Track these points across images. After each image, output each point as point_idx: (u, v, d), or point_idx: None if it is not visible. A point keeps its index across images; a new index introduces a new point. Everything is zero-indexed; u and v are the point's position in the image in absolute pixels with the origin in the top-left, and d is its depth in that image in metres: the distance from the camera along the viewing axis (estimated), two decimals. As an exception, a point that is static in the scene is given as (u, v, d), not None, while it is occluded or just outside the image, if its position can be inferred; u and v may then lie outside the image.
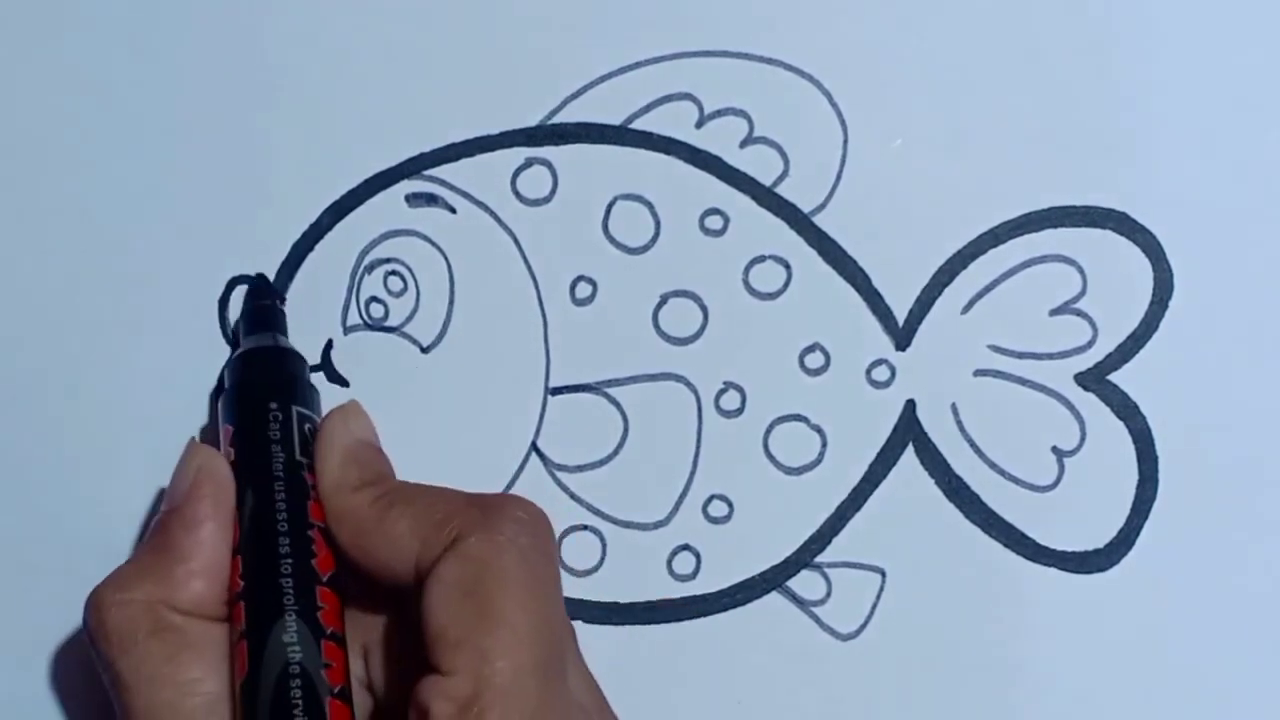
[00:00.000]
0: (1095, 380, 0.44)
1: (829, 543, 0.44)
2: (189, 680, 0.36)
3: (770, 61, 0.44)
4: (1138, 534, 0.44)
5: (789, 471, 0.44)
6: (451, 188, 0.44)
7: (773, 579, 0.44)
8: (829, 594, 0.44)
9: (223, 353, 0.44)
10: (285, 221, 0.44)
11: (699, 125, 0.44)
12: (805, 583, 0.44)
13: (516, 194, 0.44)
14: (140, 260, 0.44)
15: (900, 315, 0.44)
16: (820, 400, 0.44)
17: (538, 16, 0.44)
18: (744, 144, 0.44)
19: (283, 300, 0.43)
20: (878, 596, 0.44)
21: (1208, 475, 0.44)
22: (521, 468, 0.44)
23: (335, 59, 0.44)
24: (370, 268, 0.44)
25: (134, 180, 0.44)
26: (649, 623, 0.44)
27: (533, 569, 0.36)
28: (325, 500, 0.39)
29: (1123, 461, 0.44)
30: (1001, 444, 0.44)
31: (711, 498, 0.44)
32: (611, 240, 0.44)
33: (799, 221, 0.44)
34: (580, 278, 0.44)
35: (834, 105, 0.44)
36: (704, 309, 0.44)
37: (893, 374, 0.44)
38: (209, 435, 0.43)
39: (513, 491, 0.44)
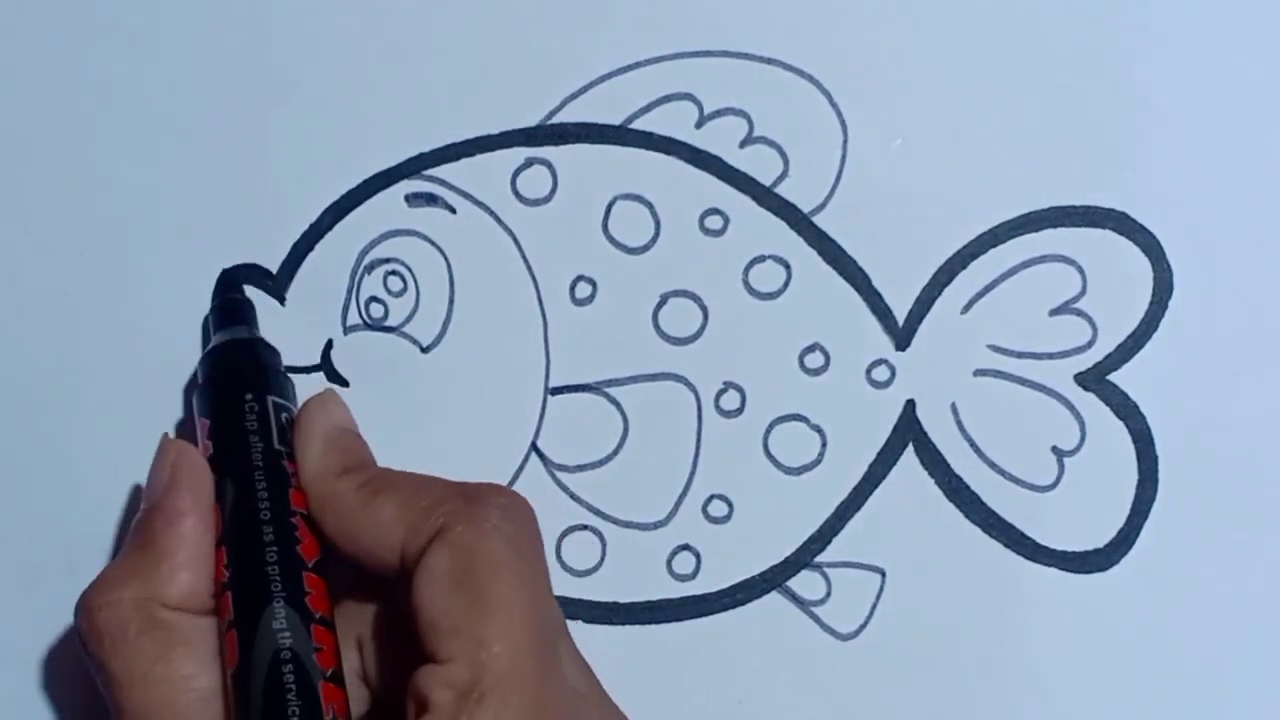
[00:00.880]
0: (1095, 380, 0.44)
1: (829, 543, 0.44)
2: (182, 676, 0.36)
3: (770, 61, 0.44)
4: (1138, 534, 0.44)
5: (789, 471, 0.44)
6: (451, 188, 0.44)
7: (773, 579, 0.44)
8: (829, 594, 0.44)
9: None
10: (285, 221, 0.44)
11: (699, 125, 0.44)
12: (805, 583, 0.44)
13: (516, 194, 0.44)
14: (141, 260, 0.44)
15: (900, 315, 0.44)
16: (820, 400, 0.44)
17: (538, 16, 0.44)
18: (744, 144, 0.44)
19: (273, 284, 0.43)
20: (878, 596, 0.44)
21: (1208, 475, 0.44)
22: (521, 468, 0.44)
23: (336, 59, 0.44)
24: (370, 268, 0.44)
25: (134, 180, 0.44)
26: (649, 623, 0.44)
27: (521, 555, 0.36)
28: (308, 487, 0.39)
29: (1123, 461, 0.44)
30: (1001, 444, 0.44)
31: (711, 498, 0.44)
32: (611, 240, 0.44)
33: (799, 221, 0.44)
34: (580, 278, 0.44)
35: (834, 105, 0.44)
36: (704, 309, 0.44)
37: (893, 374, 0.44)
38: (186, 431, 0.43)
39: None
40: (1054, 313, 0.44)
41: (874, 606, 0.44)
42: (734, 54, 0.44)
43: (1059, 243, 0.44)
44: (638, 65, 0.44)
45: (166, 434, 0.40)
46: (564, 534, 0.44)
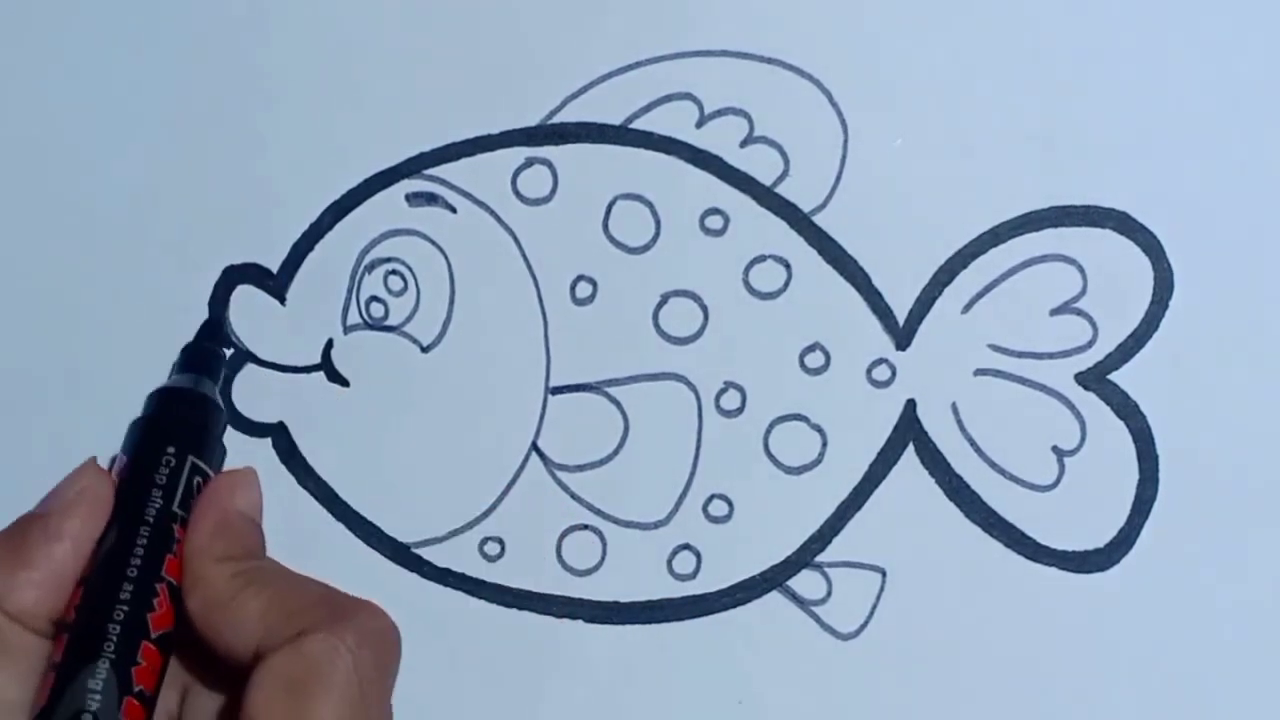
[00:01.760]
0: (1095, 380, 0.44)
1: (829, 542, 0.44)
2: None
3: (770, 61, 0.44)
4: (1138, 534, 0.44)
5: (789, 471, 0.44)
6: (452, 187, 0.44)
7: (773, 579, 0.44)
8: (829, 594, 0.43)
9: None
10: (285, 221, 0.44)
11: (699, 125, 0.44)
12: (805, 582, 0.44)
13: (517, 194, 0.44)
14: (141, 260, 0.44)
15: (900, 315, 0.44)
16: (820, 400, 0.44)
17: (538, 16, 0.44)
18: (744, 144, 0.44)
19: (273, 284, 0.43)
20: (878, 596, 0.43)
21: (1208, 475, 0.43)
22: (521, 468, 0.44)
23: (335, 59, 0.44)
24: (370, 267, 0.44)
25: (135, 180, 0.44)
26: (649, 623, 0.43)
27: (362, 683, 0.35)
28: (186, 562, 0.38)
29: (1123, 461, 0.44)
30: (1002, 443, 0.44)
31: (711, 497, 0.44)
32: (612, 240, 0.44)
33: (799, 221, 0.44)
34: (580, 277, 0.44)
35: (834, 105, 0.44)
36: (704, 309, 0.44)
37: (893, 373, 0.44)
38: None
39: (510, 494, 0.44)
40: (1054, 312, 0.44)
41: (874, 606, 0.43)
42: (734, 54, 0.44)
43: (1059, 242, 0.44)
44: (638, 65, 0.44)
45: (95, 458, 0.39)
46: (564, 534, 0.44)
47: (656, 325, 0.44)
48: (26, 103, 0.44)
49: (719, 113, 0.44)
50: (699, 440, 0.44)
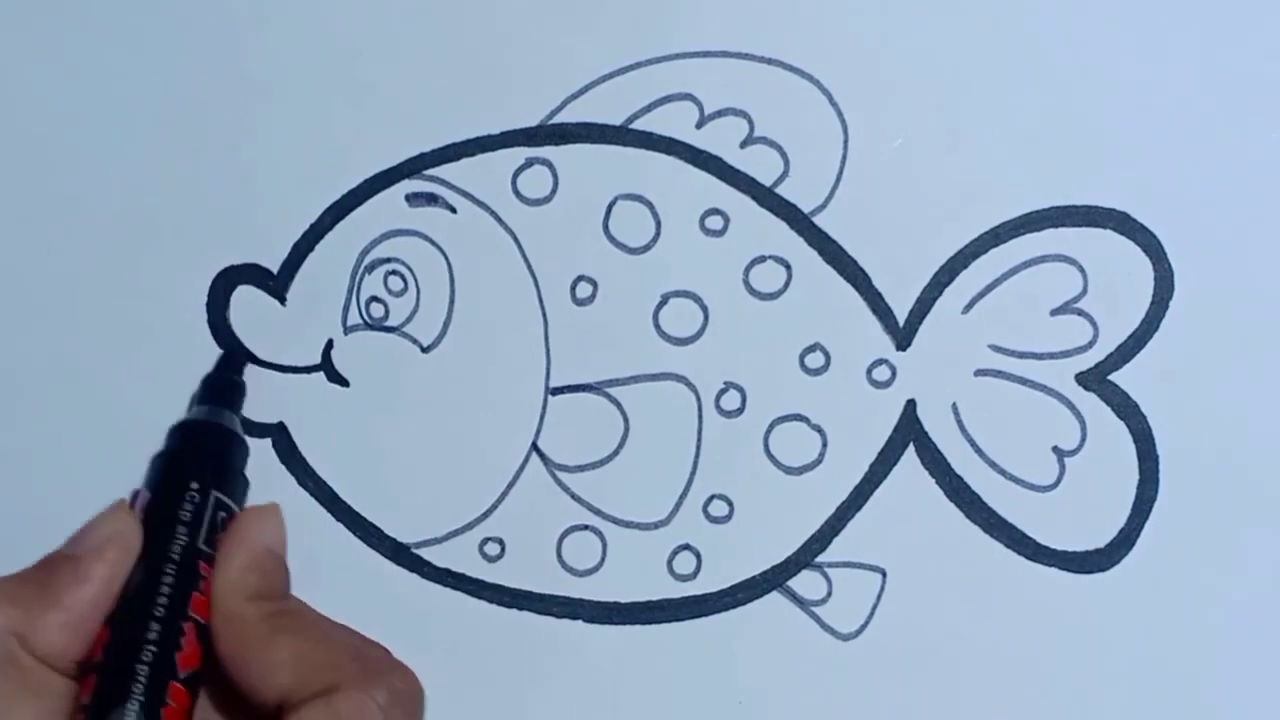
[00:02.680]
0: (1096, 380, 0.44)
1: (829, 543, 0.44)
2: None
3: (770, 61, 0.44)
4: (1138, 534, 0.44)
5: (789, 471, 0.44)
6: (452, 187, 0.44)
7: (773, 579, 0.44)
8: (829, 594, 0.44)
9: (220, 354, 0.44)
10: (285, 221, 0.44)
11: (699, 125, 0.44)
12: (805, 583, 0.44)
13: (517, 194, 0.44)
14: (141, 260, 0.44)
15: (901, 315, 0.44)
16: (820, 400, 0.44)
17: (538, 16, 0.44)
18: (744, 144, 0.44)
19: (273, 284, 0.43)
20: (878, 596, 0.44)
21: (1208, 475, 0.44)
22: (521, 468, 0.44)
23: (335, 59, 0.44)
24: (370, 267, 0.44)
25: (135, 180, 0.44)
26: (649, 623, 0.44)
27: None
28: (216, 600, 0.38)
29: (1123, 461, 0.44)
30: (1002, 444, 0.44)
31: (712, 498, 0.44)
32: (612, 240, 0.44)
33: (799, 221, 0.44)
34: (580, 278, 0.44)
35: (834, 105, 0.44)
36: (704, 309, 0.44)
37: (893, 374, 0.44)
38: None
39: (510, 494, 0.44)
40: (1055, 313, 0.44)
41: (874, 606, 0.44)
42: (734, 54, 0.44)
43: (1060, 243, 0.44)
44: (638, 65, 0.44)
45: (124, 500, 0.39)
46: (564, 534, 0.44)
47: (656, 325, 0.44)
48: (26, 103, 0.44)
49: (719, 113, 0.44)
50: (699, 440, 0.44)
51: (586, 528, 0.44)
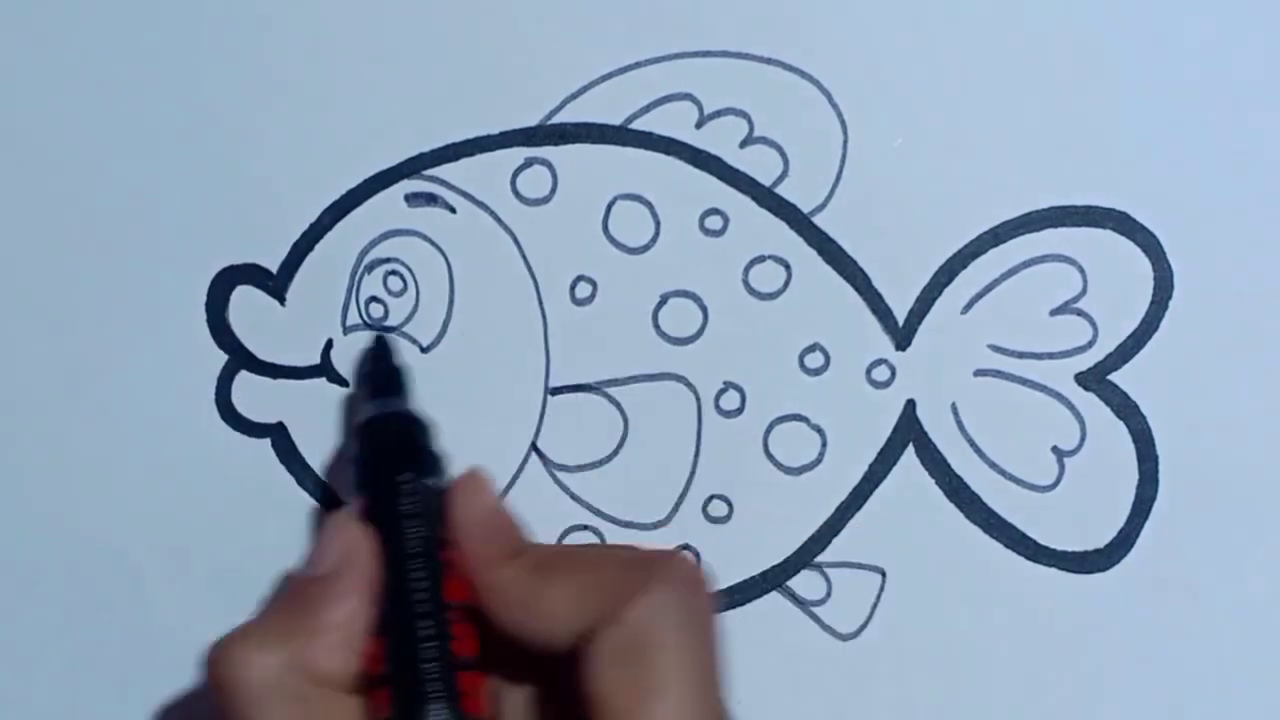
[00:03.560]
0: (1095, 380, 0.44)
1: (829, 543, 0.44)
2: None
3: (770, 61, 0.44)
4: (1138, 534, 0.44)
5: (789, 471, 0.44)
6: (451, 187, 0.44)
7: (773, 579, 0.44)
8: (829, 594, 0.44)
9: (219, 354, 0.44)
10: (285, 222, 0.44)
11: (699, 125, 0.44)
12: (805, 583, 0.44)
13: (516, 194, 0.44)
14: (141, 260, 0.44)
15: (900, 315, 0.44)
16: (820, 400, 0.44)
17: (538, 16, 0.44)
18: (744, 144, 0.44)
19: (273, 284, 0.43)
20: (878, 596, 0.44)
21: (1208, 475, 0.44)
22: (521, 468, 0.44)
23: (335, 59, 0.44)
24: (370, 267, 0.44)
25: (134, 179, 0.44)
26: (649, 623, 0.43)
27: (694, 636, 0.35)
28: (475, 576, 0.38)
29: (1123, 461, 0.44)
30: (1001, 444, 0.44)
31: (711, 498, 0.44)
32: (611, 240, 0.44)
33: (799, 221, 0.44)
34: (580, 278, 0.44)
35: (834, 105, 0.44)
36: (704, 309, 0.44)
37: (893, 374, 0.44)
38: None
39: (510, 494, 0.44)
40: (1054, 313, 0.44)
41: (874, 606, 0.44)
42: (734, 54, 0.44)
43: (1059, 243, 0.44)
44: (638, 65, 0.44)
45: (346, 509, 0.39)
46: (564, 534, 0.44)
47: (656, 325, 0.44)
48: (25, 103, 0.44)
49: (718, 113, 0.44)
50: (699, 440, 0.44)
51: (586, 528, 0.44)
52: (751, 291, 0.44)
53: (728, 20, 0.44)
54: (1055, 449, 0.44)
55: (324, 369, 0.44)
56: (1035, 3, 0.44)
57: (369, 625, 0.37)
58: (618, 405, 0.44)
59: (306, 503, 0.44)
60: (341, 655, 0.36)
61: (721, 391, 0.44)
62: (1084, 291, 0.44)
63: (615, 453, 0.44)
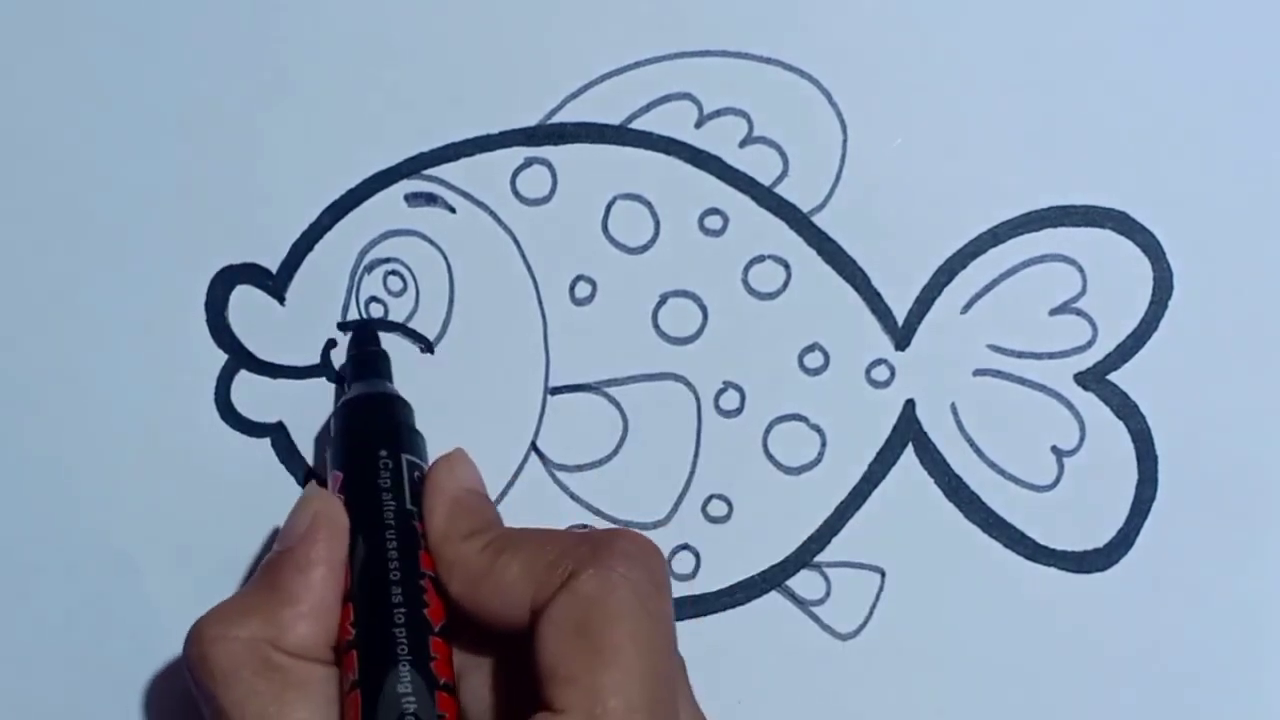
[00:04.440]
0: (1095, 380, 0.44)
1: (828, 542, 0.44)
2: (294, 718, 0.36)
3: (770, 61, 0.44)
4: (1137, 534, 0.44)
5: (789, 471, 0.44)
6: (451, 187, 0.44)
7: (772, 579, 0.44)
8: (828, 594, 0.44)
9: (219, 354, 0.44)
10: (284, 221, 0.44)
11: (699, 125, 0.44)
12: (805, 582, 0.44)
13: (516, 194, 0.44)
14: (140, 260, 0.44)
15: (900, 315, 0.44)
16: (820, 400, 0.44)
17: (538, 16, 0.44)
18: (743, 144, 0.44)
19: (273, 284, 0.43)
20: (877, 596, 0.44)
21: (1208, 475, 0.43)
22: (521, 468, 0.44)
23: (335, 59, 0.44)
24: (370, 267, 0.44)
25: (134, 179, 0.44)
26: (649, 622, 0.43)
27: (644, 604, 0.36)
28: (434, 551, 0.38)
29: (1122, 461, 0.44)
30: (1001, 444, 0.44)
31: (711, 497, 0.44)
32: (611, 240, 0.44)
33: (798, 221, 0.44)
34: (580, 277, 0.44)
35: (834, 105, 0.44)
36: (704, 309, 0.44)
37: (892, 374, 0.44)
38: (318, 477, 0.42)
39: (509, 494, 0.44)
40: (1054, 312, 0.44)
41: (874, 606, 0.44)
42: (734, 54, 0.44)
43: (1059, 242, 0.44)
44: (638, 65, 0.44)
45: (313, 482, 0.40)
46: (564, 534, 0.44)
47: (656, 325, 0.44)
48: (25, 102, 0.44)
49: (718, 113, 0.44)
50: (698, 440, 0.44)
51: (585, 527, 0.44)
52: (751, 291, 0.44)
53: (728, 20, 0.44)
54: (1055, 449, 0.44)
55: (324, 369, 0.44)
56: (1035, 3, 0.44)
57: (341, 595, 0.37)
58: (617, 405, 0.44)
59: (306, 502, 0.44)
60: (312, 625, 0.37)
61: (721, 391, 0.44)
62: (1083, 291, 0.44)
63: (615, 452, 0.44)
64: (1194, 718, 0.43)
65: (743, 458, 0.44)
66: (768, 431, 0.44)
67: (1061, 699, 0.43)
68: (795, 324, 0.44)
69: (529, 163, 0.44)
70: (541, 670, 0.35)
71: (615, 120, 0.44)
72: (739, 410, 0.44)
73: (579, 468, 0.44)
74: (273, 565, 0.38)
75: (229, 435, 0.44)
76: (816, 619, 0.43)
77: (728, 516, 0.44)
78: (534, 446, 0.44)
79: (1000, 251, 0.44)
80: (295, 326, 0.44)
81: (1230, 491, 0.43)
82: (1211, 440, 0.44)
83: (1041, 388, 0.44)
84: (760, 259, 0.44)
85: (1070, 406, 0.44)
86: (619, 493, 0.44)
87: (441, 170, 0.44)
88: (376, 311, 0.44)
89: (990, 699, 0.43)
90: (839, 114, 0.44)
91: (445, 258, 0.44)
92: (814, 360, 0.44)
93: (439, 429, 0.43)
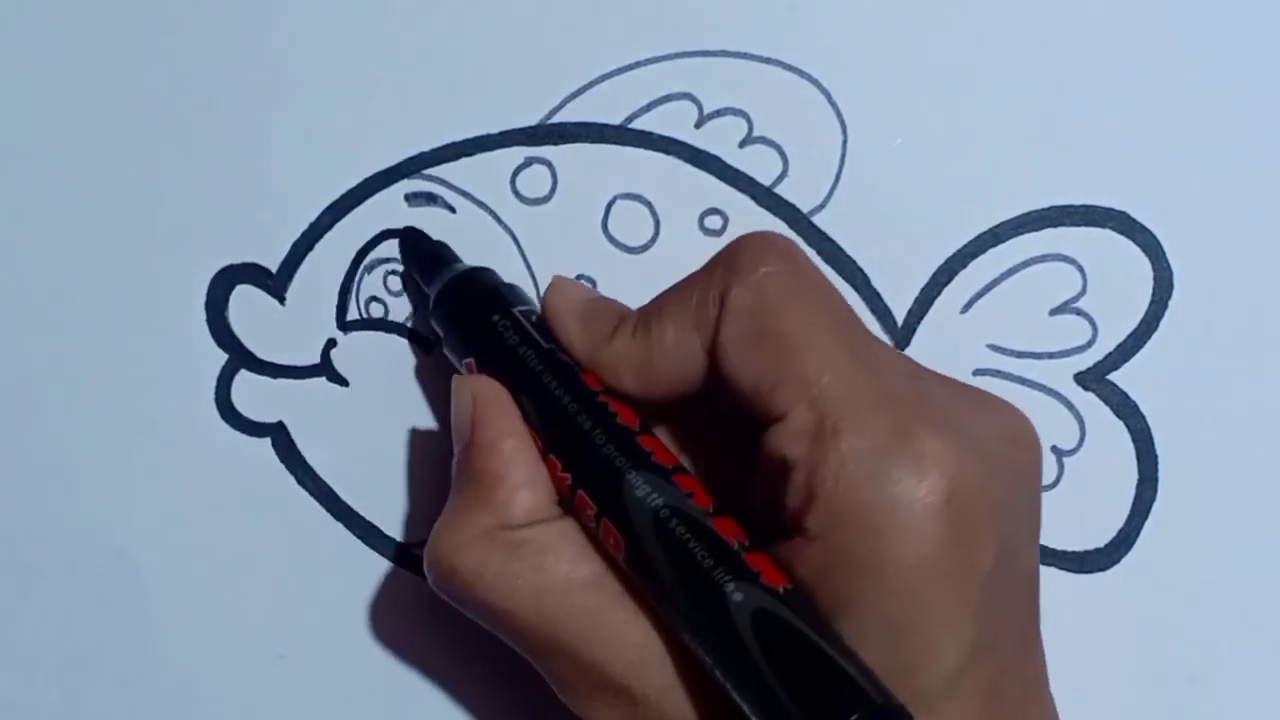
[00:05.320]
0: (1095, 380, 0.44)
1: (828, 542, 0.44)
2: (563, 577, 0.36)
3: (770, 61, 0.44)
4: (1138, 534, 0.44)
5: (789, 471, 0.44)
6: (451, 187, 0.44)
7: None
8: (828, 594, 0.43)
9: (219, 354, 0.44)
10: (284, 221, 0.44)
11: (699, 125, 0.44)
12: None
13: (516, 193, 0.44)
14: (140, 259, 0.44)
15: (899, 315, 0.44)
16: (820, 400, 0.44)
17: (538, 16, 0.44)
18: (743, 144, 0.44)
19: (273, 284, 0.43)
20: (877, 596, 0.43)
21: (1208, 475, 0.43)
22: (521, 467, 0.44)
23: (335, 58, 0.44)
24: (370, 267, 0.44)
25: (134, 179, 0.44)
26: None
27: (799, 283, 0.36)
28: (593, 364, 0.38)
29: (1123, 461, 0.44)
30: (1001, 444, 0.44)
31: (711, 497, 0.44)
32: (611, 240, 0.44)
33: (798, 221, 0.44)
34: (580, 277, 0.44)
35: (833, 105, 0.44)
36: (704, 309, 0.44)
37: (892, 374, 0.44)
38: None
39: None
40: (1054, 312, 0.44)
41: (874, 606, 0.43)
42: (734, 54, 0.44)
43: (1059, 242, 0.44)
44: (638, 65, 0.44)
45: (456, 375, 0.40)
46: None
47: (656, 325, 0.44)
48: (25, 102, 0.44)
49: (718, 113, 0.44)
50: (698, 440, 0.44)
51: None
52: (751, 291, 0.44)
53: (727, 20, 0.44)
54: (1055, 448, 0.44)
55: (324, 368, 0.44)
56: (1035, 3, 0.44)
57: (539, 455, 0.38)
58: (617, 405, 0.44)
59: (306, 502, 0.44)
60: (529, 491, 0.37)
61: (721, 391, 0.44)
62: (1083, 291, 0.44)
63: (615, 452, 0.44)
64: (1194, 718, 0.43)
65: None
66: (768, 431, 0.44)
67: (1061, 699, 0.43)
68: (795, 324, 0.44)
69: (529, 162, 0.44)
70: (748, 396, 0.35)
71: (615, 120, 0.44)
72: (739, 410, 0.44)
73: (579, 468, 0.44)
74: (464, 462, 0.38)
75: (229, 435, 0.44)
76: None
77: (728, 516, 0.44)
78: (534, 446, 0.44)
79: (1000, 251, 0.44)
80: (295, 326, 0.44)
81: (1230, 491, 0.43)
82: (1211, 440, 0.44)
83: (1041, 388, 0.44)
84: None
85: (1070, 406, 0.44)
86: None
87: (441, 170, 0.44)
88: (377, 311, 0.44)
89: (990, 699, 0.43)
90: (839, 114, 0.44)
91: (445, 258, 0.44)
92: (814, 360, 0.44)
93: (439, 429, 0.44)
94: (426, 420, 0.44)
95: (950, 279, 0.44)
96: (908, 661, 0.33)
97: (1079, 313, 0.44)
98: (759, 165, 0.44)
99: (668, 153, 0.44)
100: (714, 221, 0.44)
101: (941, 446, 0.34)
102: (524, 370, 0.38)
